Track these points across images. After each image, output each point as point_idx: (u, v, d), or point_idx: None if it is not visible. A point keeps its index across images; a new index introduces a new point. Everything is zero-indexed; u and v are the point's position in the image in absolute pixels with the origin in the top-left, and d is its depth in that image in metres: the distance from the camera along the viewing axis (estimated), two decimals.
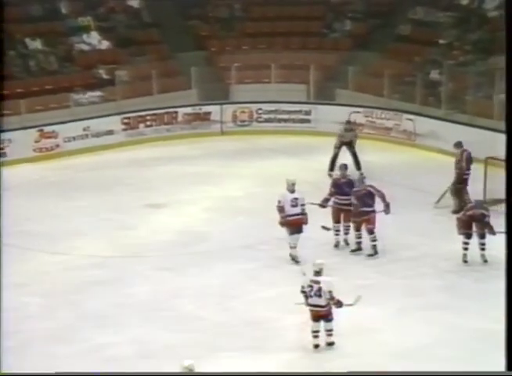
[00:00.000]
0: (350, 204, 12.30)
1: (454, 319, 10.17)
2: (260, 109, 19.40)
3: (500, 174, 14.38)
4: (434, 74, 18.52)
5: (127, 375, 7.87)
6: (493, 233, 11.79)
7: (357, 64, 19.62)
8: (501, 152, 15.49)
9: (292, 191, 11.88)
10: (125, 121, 18.59)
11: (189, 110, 19.16)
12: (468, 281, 11.41)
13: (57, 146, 17.80)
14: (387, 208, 12.10)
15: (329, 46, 20.84)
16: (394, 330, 10.10)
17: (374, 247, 12.02)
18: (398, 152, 17.46)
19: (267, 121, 19.37)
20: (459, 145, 14.19)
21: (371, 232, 12.02)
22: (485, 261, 11.85)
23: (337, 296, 9.58)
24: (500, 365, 9.14)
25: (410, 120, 17.80)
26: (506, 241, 5.28)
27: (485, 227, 11.84)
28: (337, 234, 12.41)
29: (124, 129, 18.60)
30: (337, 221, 12.40)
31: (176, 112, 19.05)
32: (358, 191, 12.16)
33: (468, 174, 13.90)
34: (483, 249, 11.89)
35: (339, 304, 9.59)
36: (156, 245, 12.98)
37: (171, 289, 11.39)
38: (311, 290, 9.59)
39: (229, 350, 9.73)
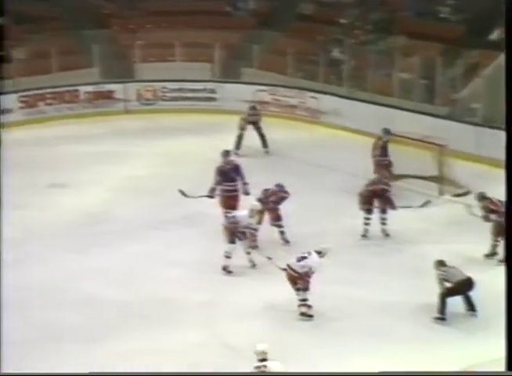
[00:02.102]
0: (237, 190, 12.25)
1: (358, 293, 10.37)
2: (164, 87, 19.20)
3: (400, 149, 14.90)
4: (336, 53, 18.77)
5: (127, 375, 7.81)
6: (394, 207, 12.10)
7: (261, 43, 19.66)
8: (400, 128, 16.05)
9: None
10: (22, 99, 18.08)
11: (90, 88, 18.80)
12: (370, 255, 11.63)
13: None
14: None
15: (234, 25, 20.77)
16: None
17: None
18: (303, 129, 17.63)
19: (172, 99, 19.20)
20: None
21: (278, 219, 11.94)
22: (387, 235, 12.14)
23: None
24: (405, 335, 9.46)
25: (314, 98, 18.00)
26: (506, 240, 5.43)
27: (386, 202, 12.11)
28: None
29: (22, 107, 18.08)
30: (227, 207, 12.18)
31: (77, 90, 18.64)
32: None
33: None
34: (384, 224, 12.16)
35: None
36: (60, 226, 12.73)
37: (76, 270, 11.20)
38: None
39: (136, 330, 9.67)
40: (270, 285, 10.73)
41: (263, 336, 9.49)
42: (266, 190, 11.98)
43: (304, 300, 9.88)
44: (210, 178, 12.51)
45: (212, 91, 19.14)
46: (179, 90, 19.23)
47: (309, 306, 9.90)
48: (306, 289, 9.85)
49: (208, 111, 18.74)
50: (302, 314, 9.92)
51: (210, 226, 12.23)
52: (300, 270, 9.88)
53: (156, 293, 10.56)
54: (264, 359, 7.62)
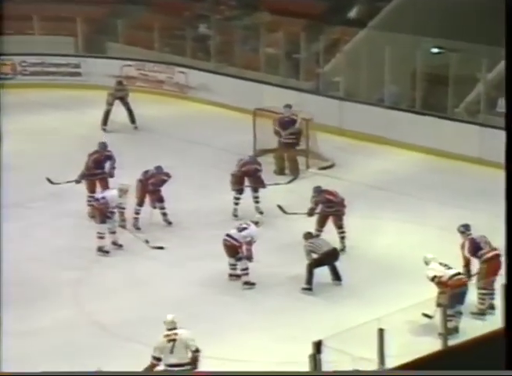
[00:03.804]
0: (105, 173, 12.11)
1: (226, 267, 10.46)
2: (24, 61, 18.55)
3: (266, 124, 14.95)
4: (203, 28, 18.74)
5: (127, 375, 7.57)
6: (264, 186, 12.27)
7: (126, 17, 19.32)
8: (267, 103, 16.05)
9: None
10: None
11: None
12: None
13: None
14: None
15: None
16: (168, 281, 10.29)
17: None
18: (171, 104, 17.49)
19: (33, 74, 18.57)
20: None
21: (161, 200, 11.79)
22: (261, 213, 12.21)
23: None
24: (274, 307, 9.65)
25: (182, 73, 17.91)
26: (506, 241, 5.53)
27: (257, 181, 12.21)
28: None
29: None
30: (92, 191, 12.00)
31: None
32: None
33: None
34: (257, 202, 12.25)
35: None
36: None
37: None
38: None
39: (1, 312, 9.37)
40: (138, 263, 10.75)
41: (132, 313, 9.49)
42: (146, 172, 11.78)
43: (246, 269, 10.04)
44: (76, 155, 12.29)
45: (76, 66, 18.66)
46: (41, 64, 18.63)
47: (245, 275, 10.07)
48: (250, 258, 10.03)
49: (73, 86, 18.26)
50: (245, 283, 10.07)
51: (77, 203, 12.03)
52: (242, 240, 10.05)
53: (21, 273, 10.23)
54: (173, 329, 7.75)
